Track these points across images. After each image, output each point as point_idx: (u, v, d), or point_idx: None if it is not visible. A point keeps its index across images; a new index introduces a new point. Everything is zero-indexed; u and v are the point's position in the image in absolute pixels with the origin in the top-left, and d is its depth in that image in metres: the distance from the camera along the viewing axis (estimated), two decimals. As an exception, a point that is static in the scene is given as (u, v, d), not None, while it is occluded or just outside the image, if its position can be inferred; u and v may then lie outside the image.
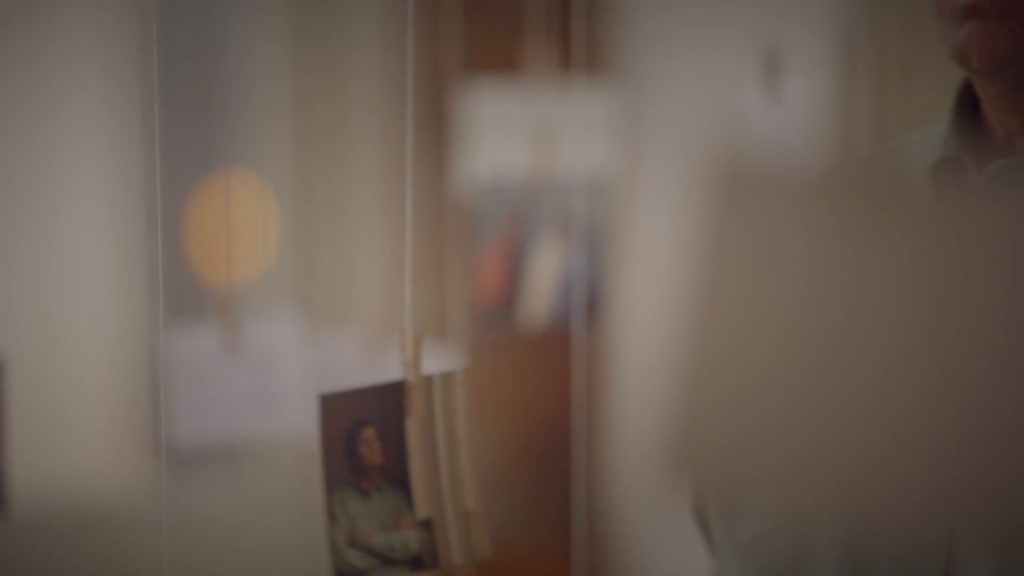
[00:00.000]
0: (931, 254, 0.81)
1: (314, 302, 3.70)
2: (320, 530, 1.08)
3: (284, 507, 3.76)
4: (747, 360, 0.88)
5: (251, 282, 3.69)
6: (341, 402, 1.06)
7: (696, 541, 1.24)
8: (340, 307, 3.66)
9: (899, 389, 0.82)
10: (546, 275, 2.35)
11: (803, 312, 0.86)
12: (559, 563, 3.50)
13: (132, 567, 3.62)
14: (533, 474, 3.78)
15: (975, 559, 0.97)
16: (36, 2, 3.69)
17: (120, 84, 3.80)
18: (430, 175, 3.52)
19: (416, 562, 1.06)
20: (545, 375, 3.70)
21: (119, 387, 3.85)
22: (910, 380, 0.82)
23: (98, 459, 3.84)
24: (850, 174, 1.06)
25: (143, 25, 3.69)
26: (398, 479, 1.07)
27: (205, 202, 3.82)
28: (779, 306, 0.87)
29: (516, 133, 2.34)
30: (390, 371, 1.10)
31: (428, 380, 1.08)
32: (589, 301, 2.34)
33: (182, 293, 3.81)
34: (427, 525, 1.07)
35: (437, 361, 2.31)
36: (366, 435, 1.06)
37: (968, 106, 1.09)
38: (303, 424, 2.23)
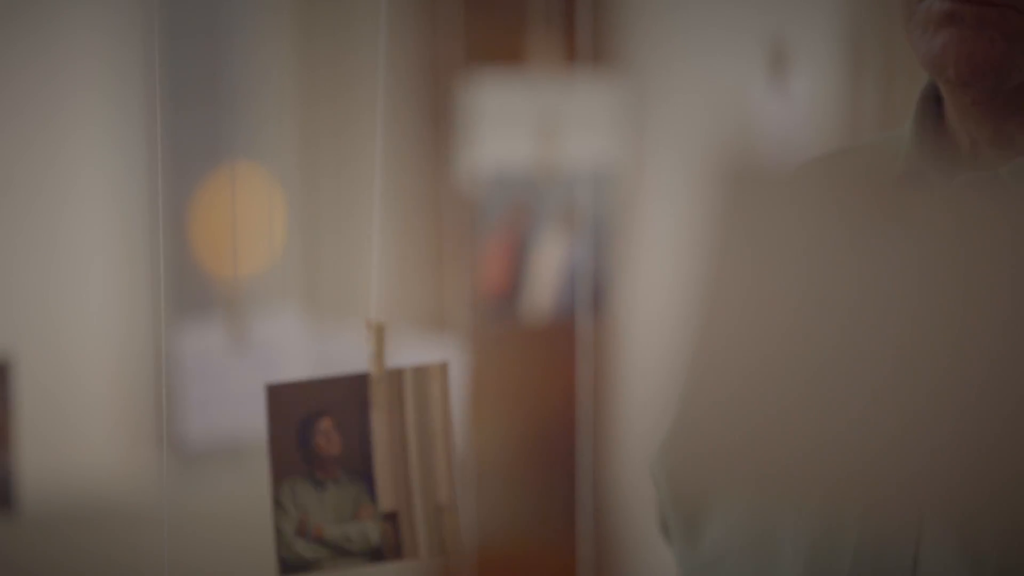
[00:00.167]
0: (903, 259, 0.81)
1: (320, 297, 3.70)
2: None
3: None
4: (748, 357, 0.88)
5: (257, 277, 3.69)
6: (291, 392, 1.06)
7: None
8: (346, 301, 3.66)
9: (899, 388, 0.82)
10: (550, 268, 2.34)
11: (803, 308, 0.86)
12: (563, 558, 3.50)
13: (140, 562, 3.62)
14: (536, 468, 3.78)
15: (943, 555, 0.96)
16: (41, -2, 3.69)
17: (125, 80, 3.80)
18: (433, 168, 3.52)
19: (375, 554, 1.06)
20: (549, 368, 3.69)
21: (126, 384, 3.85)
22: (910, 379, 0.82)
23: (106, 455, 3.84)
24: (818, 174, 1.05)
25: (148, 20, 3.69)
26: (360, 470, 1.06)
27: (211, 197, 3.82)
28: (779, 303, 0.87)
29: (520, 125, 2.33)
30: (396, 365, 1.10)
31: (398, 373, 1.07)
32: (593, 294, 2.34)
33: (188, 289, 3.81)
34: (391, 518, 1.06)
35: (438, 353, 2.30)
36: (322, 426, 1.06)
37: (932, 113, 1.06)
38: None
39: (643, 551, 3.70)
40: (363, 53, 3.70)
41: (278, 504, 1.05)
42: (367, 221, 3.62)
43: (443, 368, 1.07)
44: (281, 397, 1.05)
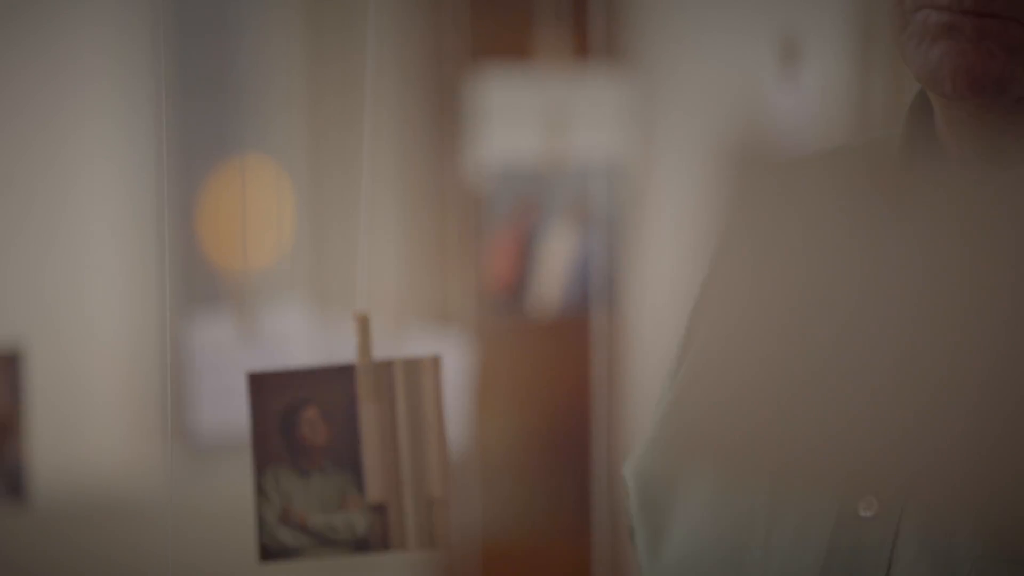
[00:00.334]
0: (903, 258, 0.81)
1: (328, 289, 3.70)
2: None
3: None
4: (746, 351, 0.88)
5: (266, 270, 3.69)
6: (274, 381, 1.06)
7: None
8: (354, 294, 3.65)
9: (896, 386, 0.83)
10: (558, 263, 2.35)
11: (800, 307, 0.86)
12: (573, 552, 3.50)
13: (149, 553, 3.63)
14: (545, 462, 3.78)
15: (919, 558, 0.93)
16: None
17: (135, 74, 3.81)
18: (441, 163, 3.52)
19: (361, 544, 1.06)
20: (558, 363, 3.69)
21: (136, 376, 3.86)
22: (909, 377, 0.82)
23: (116, 448, 3.85)
24: (806, 172, 1.04)
25: (158, 14, 3.69)
26: (347, 461, 1.06)
27: (221, 191, 3.82)
28: (777, 301, 0.87)
29: (528, 120, 2.33)
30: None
31: (388, 365, 1.07)
32: (602, 289, 2.34)
33: (198, 281, 3.82)
34: (380, 509, 1.06)
35: (445, 347, 2.31)
36: (308, 415, 1.06)
37: (922, 124, 1.02)
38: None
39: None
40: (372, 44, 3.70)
41: (260, 491, 1.06)
42: (375, 214, 3.62)
43: (435, 361, 1.07)
44: (263, 385, 1.06)
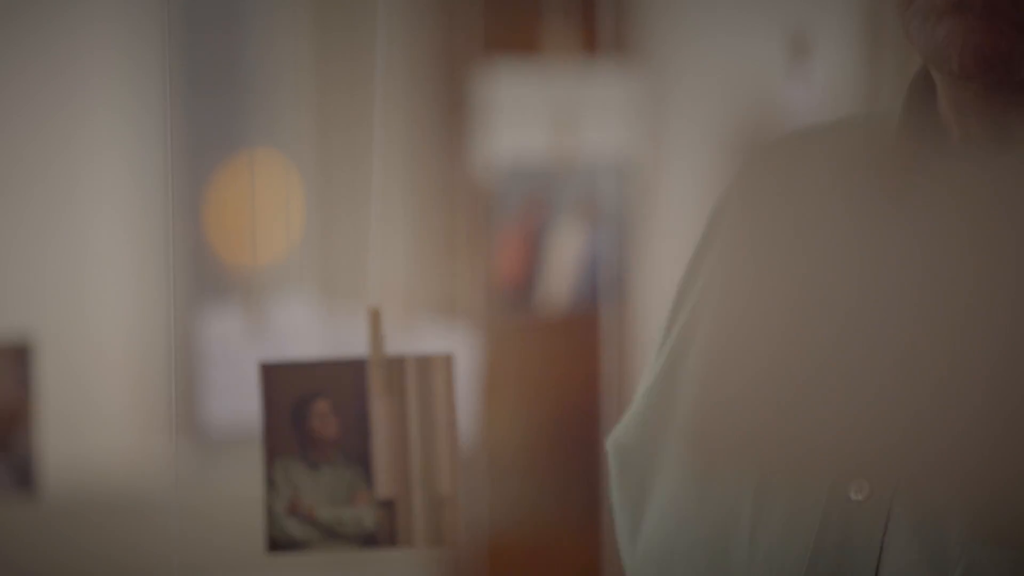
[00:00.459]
0: (902, 247, 0.81)
1: (337, 283, 3.70)
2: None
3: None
4: (741, 329, 0.88)
5: (275, 264, 3.70)
6: (285, 373, 1.06)
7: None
8: (363, 288, 3.66)
9: (896, 381, 0.82)
10: (566, 259, 2.35)
11: (800, 298, 0.86)
12: (582, 549, 3.50)
13: (159, 547, 3.63)
14: (553, 459, 3.78)
15: (910, 548, 0.91)
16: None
17: (143, 68, 3.81)
18: (449, 158, 3.52)
19: (368, 539, 1.06)
20: (566, 359, 3.69)
21: (145, 369, 3.86)
22: (908, 359, 0.82)
23: (125, 440, 3.86)
24: (796, 150, 1.03)
25: (168, 7, 3.70)
26: (357, 456, 1.06)
27: (230, 184, 3.82)
28: (775, 292, 0.87)
29: (536, 116, 2.33)
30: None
31: (400, 362, 1.07)
32: (611, 285, 2.34)
33: (207, 275, 3.82)
34: (388, 505, 1.06)
35: (453, 343, 2.31)
36: (319, 408, 1.06)
37: (922, 103, 0.98)
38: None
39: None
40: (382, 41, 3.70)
41: (269, 482, 1.06)
42: (384, 209, 3.62)
43: (447, 360, 1.07)
44: (274, 376, 1.06)
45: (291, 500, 1.06)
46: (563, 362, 3.72)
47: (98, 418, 3.83)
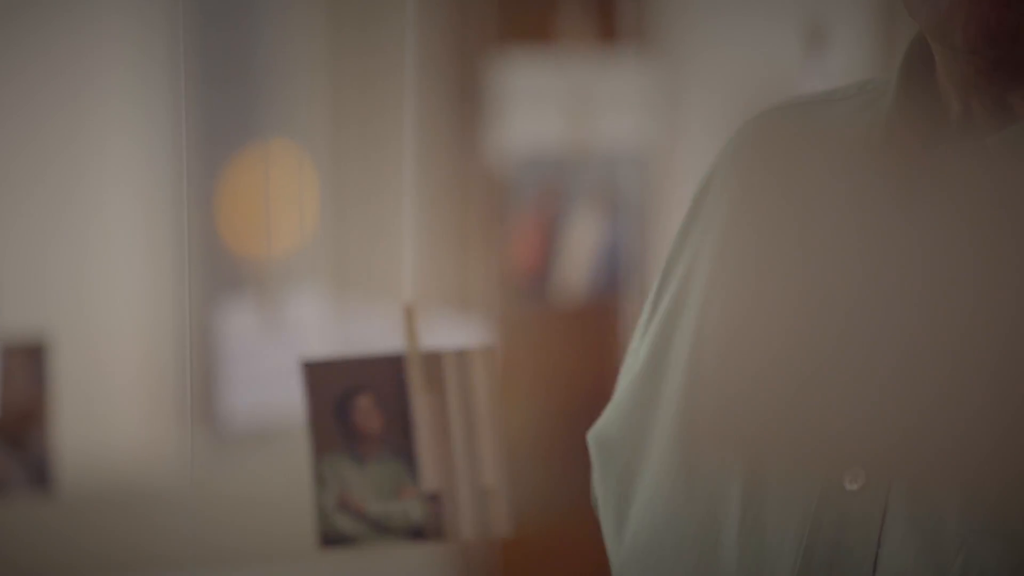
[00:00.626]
0: (890, 236, 0.80)
1: (351, 276, 3.70)
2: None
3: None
4: (733, 314, 0.87)
5: (289, 257, 3.69)
6: (327, 370, 1.06)
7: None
8: (377, 281, 3.66)
9: (890, 354, 0.81)
10: (582, 248, 2.34)
11: (798, 292, 0.85)
12: (597, 540, 3.49)
13: (175, 541, 3.63)
14: (568, 449, 3.78)
15: (909, 527, 0.87)
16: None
17: (157, 60, 3.80)
18: (464, 148, 3.51)
19: (416, 533, 1.06)
20: (581, 349, 3.69)
21: (161, 364, 3.86)
22: (903, 347, 0.81)
23: (141, 436, 3.86)
24: (787, 128, 1.01)
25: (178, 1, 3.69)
26: (402, 450, 1.06)
27: (244, 177, 3.82)
28: (774, 286, 0.86)
29: (552, 105, 2.32)
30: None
31: (438, 356, 1.07)
32: (627, 275, 2.33)
33: (221, 269, 3.82)
34: (434, 499, 1.06)
35: (467, 335, 2.30)
36: (361, 403, 1.06)
37: (919, 75, 0.93)
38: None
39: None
40: (397, 31, 3.70)
41: (319, 478, 1.06)
42: (399, 201, 3.61)
43: (488, 352, 1.08)
44: (317, 374, 1.06)
45: (341, 495, 1.06)
46: (579, 352, 3.71)
47: (113, 414, 3.83)
